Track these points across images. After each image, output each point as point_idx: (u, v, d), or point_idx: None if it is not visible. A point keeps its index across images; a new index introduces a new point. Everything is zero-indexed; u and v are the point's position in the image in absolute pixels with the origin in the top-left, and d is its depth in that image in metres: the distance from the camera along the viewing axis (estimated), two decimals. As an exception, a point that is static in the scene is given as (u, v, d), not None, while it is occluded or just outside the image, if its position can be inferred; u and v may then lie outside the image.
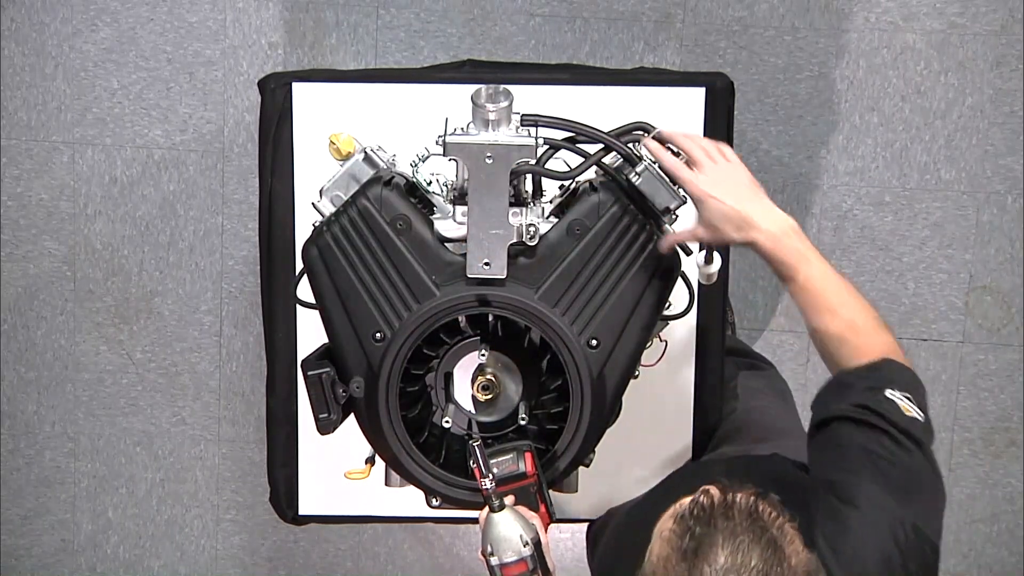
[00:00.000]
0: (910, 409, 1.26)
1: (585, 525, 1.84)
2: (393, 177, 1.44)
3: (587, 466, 1.50)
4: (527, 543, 1.28)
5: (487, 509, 1.31)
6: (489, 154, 1.35)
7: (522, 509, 1.36)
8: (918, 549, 1.19)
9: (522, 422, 1.46)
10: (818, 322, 1.33)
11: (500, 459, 1.39)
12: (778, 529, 1.07)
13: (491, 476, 1.29)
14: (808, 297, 1.33)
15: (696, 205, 1.37)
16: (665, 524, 1.12)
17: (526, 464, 1.39)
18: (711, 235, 1.37)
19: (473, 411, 1.49)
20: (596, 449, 1.48)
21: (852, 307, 1.33)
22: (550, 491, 1.46)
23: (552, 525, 1.43)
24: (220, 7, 2.54)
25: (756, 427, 1.72)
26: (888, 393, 1.26)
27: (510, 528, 1.28)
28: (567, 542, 2.59)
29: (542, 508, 1.41)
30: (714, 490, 1.10)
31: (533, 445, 1.42)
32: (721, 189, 1.35)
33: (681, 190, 1.41)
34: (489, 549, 1.28)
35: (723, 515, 1.07)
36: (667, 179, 1.40)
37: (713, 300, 1.74)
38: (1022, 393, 2.59)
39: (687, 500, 1.11)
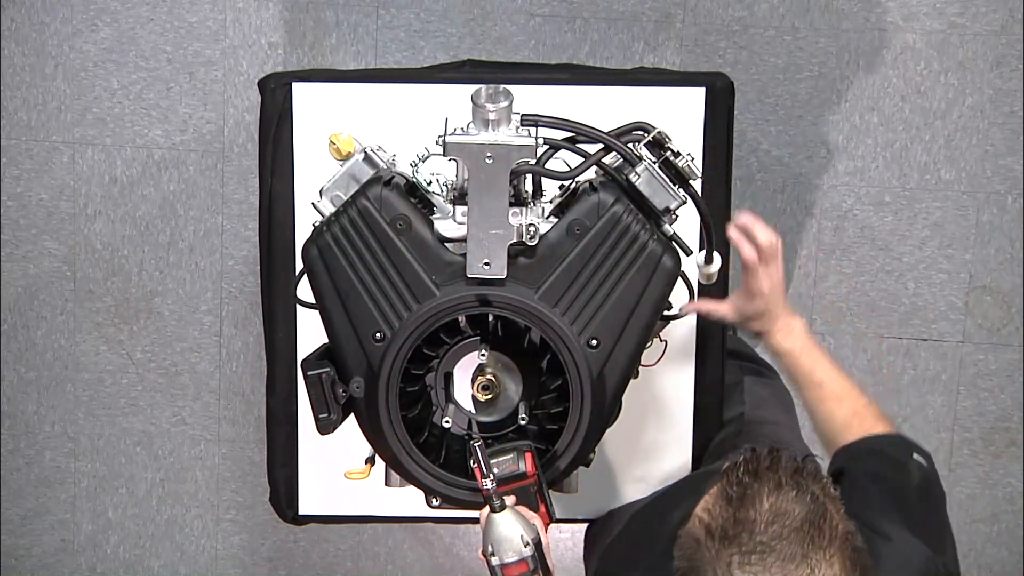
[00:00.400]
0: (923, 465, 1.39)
1: (585, 525, 1.84)
2: (393, 177, 1.44)
3: (587, 466, 1.50)
4: (528, 543, 1.28)
5: (488, 509, 1.31)
6: (489, 154, 1.35)
7: (523, 509, 1.36)
8: None
9: (522, 422, 1.46)
10: (822, 408, 1.47)
11: (500, 459, 1.39)
12: (822, 489, 1.11)
13: (492, 476, 1.29)
14: (818, 386, 1.47)
15: (750, 296, 1.47)
16: (711, 481, 1.16)
17: (526, 464, 1.39)
18: (734, 316, 1.49)
19: (473, 411, 1.49)
20: (596, 449, 1.48)
21: (854, 395, 1.47)
22: (550, 491, 1.47)
23: (552, 525, 1.43)
24: (220, 7, 2.54)
25: (767, 440, 1.72)
26: (916, 456, 1.39)
27: (511, 528, 1.28)
28: (567, 542, 2.59)
29: (542, 508, 1.41)
30: (761, 450, 1.14)
31: (533, 445, 1.42)
32: (772, 285, 1.46)
33: (681, 190, 1.41)
34: (490, 549, 1.28)
35: (769, 467, 1.11)
36: (667, 179, 1.40)
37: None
38: (1022, 393, 2.59)
39: (736, 461, 1.14)
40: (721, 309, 1.48)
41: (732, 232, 1.46)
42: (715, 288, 1.64)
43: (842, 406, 1.45)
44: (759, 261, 1.44)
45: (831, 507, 1.10)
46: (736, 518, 1.09)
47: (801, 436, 1.80)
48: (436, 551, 2.73)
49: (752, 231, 1.45)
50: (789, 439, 1.74)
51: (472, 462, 1.31)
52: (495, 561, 1.28)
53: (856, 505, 1.27)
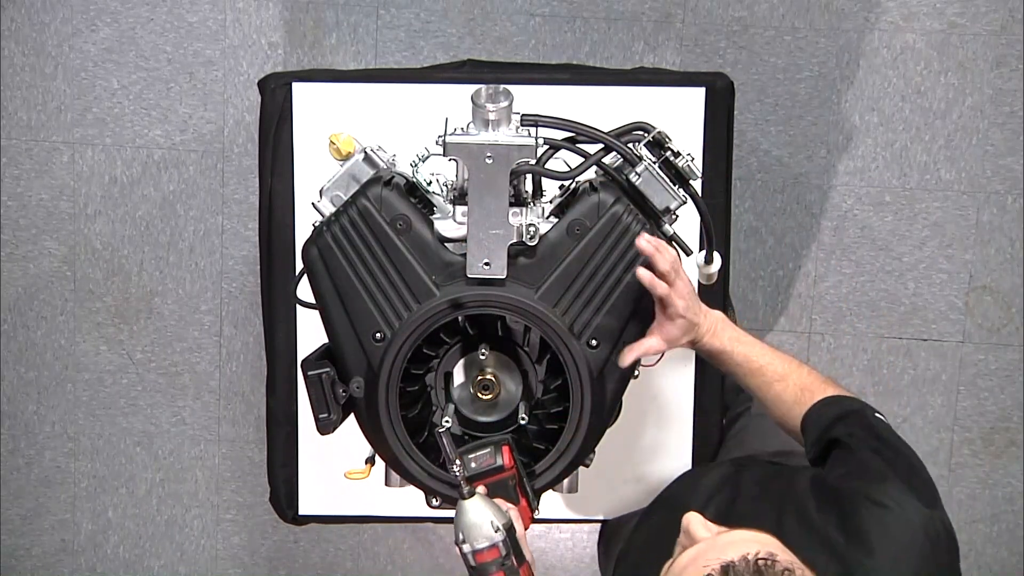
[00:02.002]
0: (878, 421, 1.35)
1: (584, 525, 1.84)
2: (393, 177, 1.44)
3: (587, 466, 1.50)
4: (498, 529, 1.26)
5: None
6: (489, 154, 1.35)
7: (497, 502, 1.35)
8: (948, 543, 1.21)
9: (522, 422, 1.46)
10: (770, 392, 1.44)
11: (477, 453, 1.39)
12: None
13: (459, 463, 1.28)
14: (758, 372, 1.45)
15: (671, 319, 1.41)
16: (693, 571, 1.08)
17: (503, 457, 1.39)
18: (670, 344, 1.43)
19: (473, 411, 1.49)
20: (596, 449, 1.48)
21: (797, 370, 1.45)
22: (546, 489, 1.46)
23: (552, 525, 1.43)
24: (220, 7, 2.54)
25: (765, 436, 1.72)
26: (878, 415, 1.35)
27: (480, 514, 1.27)
28: (567, 542, 2.59)
29: (523, 502, 1.41)
30: (714, 571, 1.03)
31: (511, 439, 1.42)
32: (688, 307, 1.40)
33: (681, 190, 1.41)
34: (460, 536, 1.27)
35: None
36: (667, 179, 1.40)
37: (713, 300, 1.74)
38: (1022, 393, 2.59)
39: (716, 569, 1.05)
40: (653, 346, 1.42)
41: (642, 276, 1.38)
42: (714, 287, 1.64)
43: (787, 384, 1.43)
44: (670, 286, 1.39)
45: None
46: None
47: None
48: (436, 551, 2.73)
49: (655, 262, 1.38)
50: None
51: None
52: (466, 548, 1.26)
53: (845, 476, 1.27)
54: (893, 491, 1.22)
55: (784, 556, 1.04)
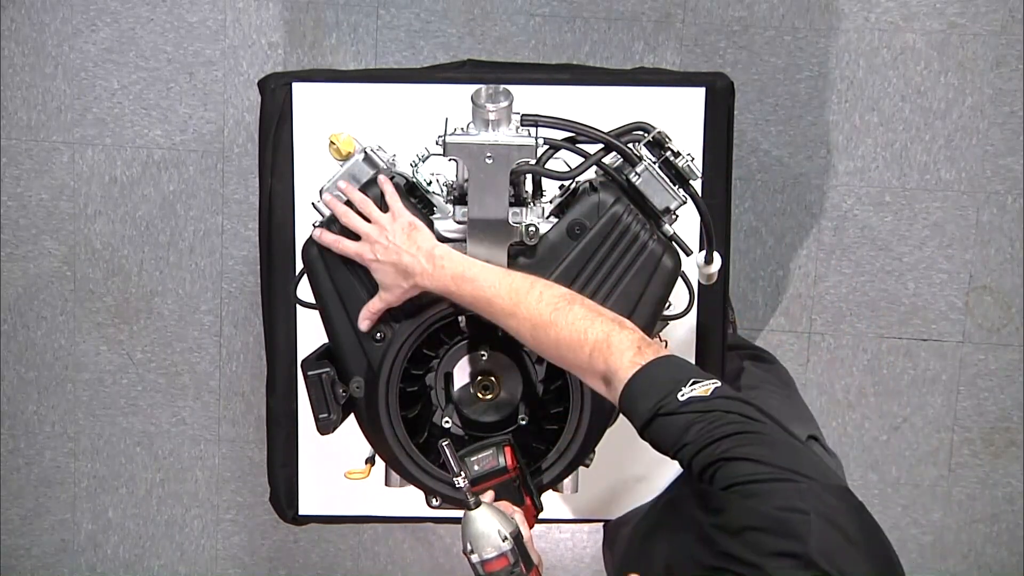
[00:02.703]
0: (708, 387, 1.13)
1: (585, 525, 1.84)
2: (393, 177, 1.44)
3: (587, 466, 1.50)
4: (506, 537, 1.27)
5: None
6: (489, 154, 1.35)
7: (502, 504, 1.36)
8: (857, 518, 1.05)
9: (522, 422, 1.46)
10: (512, 326, 1.30)
11: (479, 456, 1.39)
12: None
13: (463, 474, 1.29)
14: (488, 307, 1.31)
15: (374, 273, 1.39)
16: None
17: (506, 458, 1.39)
18: (393, 296, 1.38)
19: (473, 411, 1.49)
20: (596, 449, 1.48)
21: (528, 301, 1.28)
22: (547, 488, 1.46)
23: (553, 525, 1.43)
24: (220, 7, 2.54)
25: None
26: (681, 395, 1.14)
27: (487, 524, 1.28)
28: (567, 542, 2.59)
29: (527, 501, 1.41)
30: None
31: (512, 439, 1.42)
32: (380, 248, 1.36)
33: (681, 190, 1.41)
34: (468, 547, 1.28)
35: None
36: (667, 179, 1.40)
37: (713, 300, 1.74)
38: (1022, 393, 2.59)
39: None
40: (383, 298, 1.38)
41: (322, 239, 1.38)
42: (714, 287, 1.64)
43: (519, 319, 1.27)
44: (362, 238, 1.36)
45: None
46: None
47: (800, 408, 1.79)
48: (436, 551, 2.73)
49: (339, 217, 1.38)
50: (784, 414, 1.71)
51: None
52: (475, 558, 1.28)
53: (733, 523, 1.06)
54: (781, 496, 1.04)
55: None
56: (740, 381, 1.84)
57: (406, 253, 1.35)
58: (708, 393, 1.13)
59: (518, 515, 1.36)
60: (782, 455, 1.05)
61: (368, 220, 1.39)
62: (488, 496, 1.36)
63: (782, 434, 1.09)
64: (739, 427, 1.08)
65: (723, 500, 1.03)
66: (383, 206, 1.40)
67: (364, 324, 1.41)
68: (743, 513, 1.01)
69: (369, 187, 1.42)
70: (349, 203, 1.41)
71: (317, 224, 1.46)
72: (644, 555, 1.28)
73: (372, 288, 1.41)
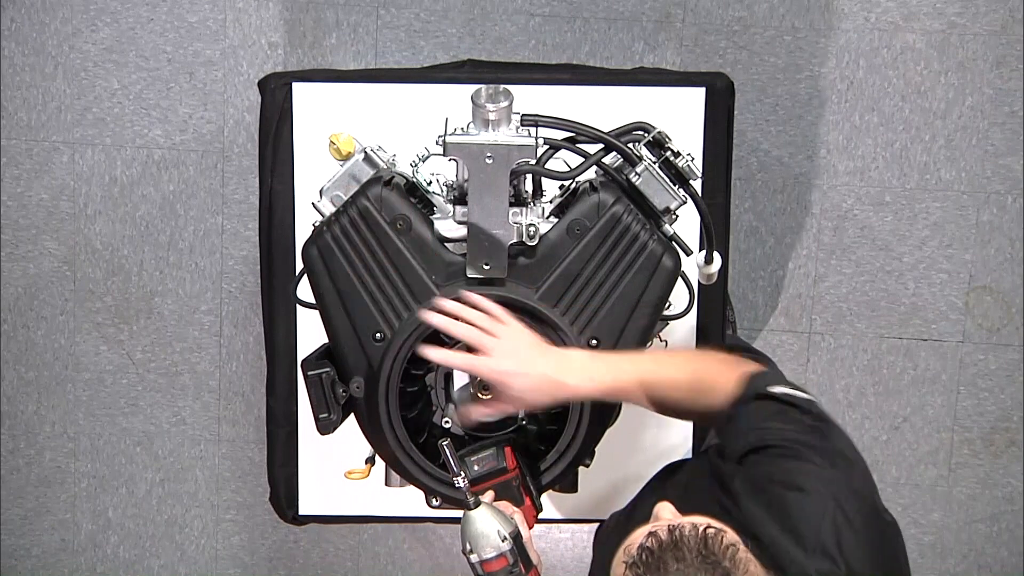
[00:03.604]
0: (800, 393, 1.24)
1: (585, 525, 1.84)
2: (393, 177, 1.44)
3: (587, 466, 1.50)
4: (505, 538, 1.27)
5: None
6: (489, 154, 1.35)
7: (501, 504, 1.36)
8: (866, 514, 1.15)
9: (522, 422, 1.46)
10: (674, 405, 1.33)
11: (479, 456, 1.39)
12: (730, 560, 1.04)
13: (463, 475, 1.29)
14: (652, 399, 1.32)
15: (496, 387, 1.33)
16: (617, 571, 1.09)
17: (506, 459, 1.39)
18: (525, 407, 1.34)
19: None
20: (596, 449, 1.48)
21: (686, 368, 1.32)
22: (547, 489, 1.46)
23: (552, 525, 1.43)
24: (220, 7, 2.54)
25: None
26: (773, 390, 1.24)
27: (487, 524, 1.28)
28: (567, 542, 2.59)
29: (527, 501, 1.41)
30: (661, 531, 1.06)
31: (512, 439, 1.42)
32: (512, 363, 1.30)
33: (681, 190, 1.41)
34: (468, 547, 1.28)
35: (673, 556, 1.04)
36: (667, 179, 1.40)
37: (713, 300, 1.74)
38: (1022, 393, 2.59)
39: (635, 545, 1.07)
40: (505, 409, 1.33)
41: (431, 356, 1.31)
42: (714, 287, 1.64)
43: (679, 388, 1.30)
44: (482, 350, 1.30)
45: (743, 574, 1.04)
46: None
47: None
48: (436, 551, 2.73)
49: (446, 331, 1.30)
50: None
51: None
52: (474, 558, 1.28)
53: (757, 464, 1.20)
54: (803, 468, 1.16)
55: (732, 535, 1.06)
56: None
57: (548, 364, 1.30)
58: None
59: (518, 515, 1.36)
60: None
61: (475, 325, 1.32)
62: (488, 496, 1.36)
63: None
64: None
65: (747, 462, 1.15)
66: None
67: (468, 421, 1.35)
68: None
69: (370, 187, 1.42)
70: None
71: (316, 224, 1.46)
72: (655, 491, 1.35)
73: (372, 288, 1.41)
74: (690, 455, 1.80)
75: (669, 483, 1.43)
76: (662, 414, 1.36)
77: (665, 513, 1.12)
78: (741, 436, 1.22)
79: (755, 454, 1.19)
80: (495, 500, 1.38)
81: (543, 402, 1.32)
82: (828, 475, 1.14)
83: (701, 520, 1.08)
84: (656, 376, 1.31)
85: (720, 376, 1.30)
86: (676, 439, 1.79)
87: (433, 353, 1.33)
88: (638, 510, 1.47)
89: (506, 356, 1.31)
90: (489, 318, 1.34)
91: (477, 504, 1.29)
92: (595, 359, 1.32)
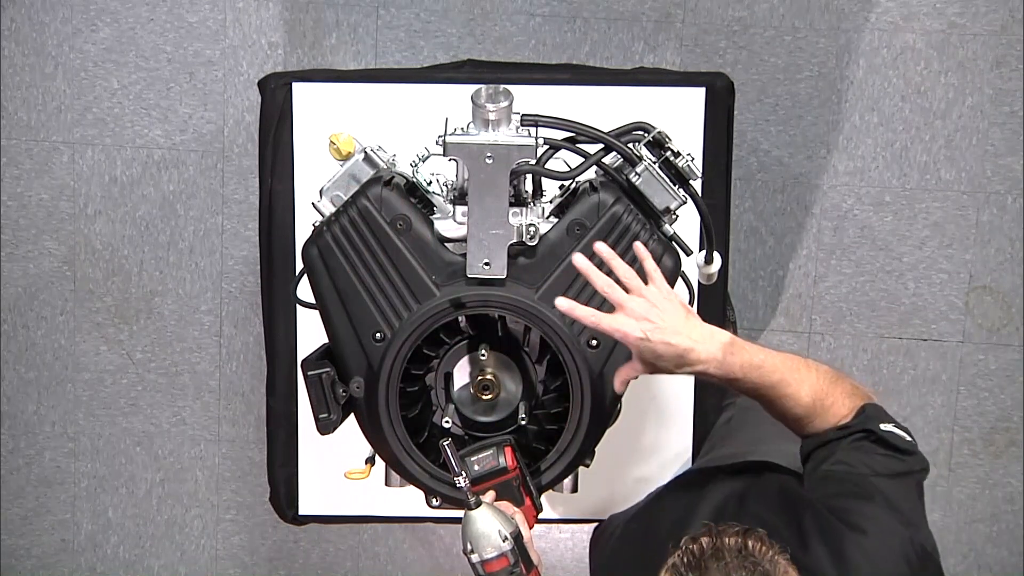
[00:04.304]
0: (906, 436, 1.29)
1: (585, 525, 1.84)
2: (393, 177, 1.44)
3: (587, 466, 1.50)
4: (506, 538, 1.27)
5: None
6: (489, 154, 1.35)
7: (502, 504, 1.36)
8: (928, 565, 1.20)
9: (522, 422, 1.46)
10: (781, 414, 1.33)
11: (480, 456, 1.39)
12: (770, 562, 1.07)
13: (464, 474, 1.29)
14: (764, 401, 1.32)
15: (634, 345, 1.28)
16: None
17: (506, 459, 1.39)
18: (653, 370, 1.30)
19: (473, 411, 1.49)
20: (596, 449, 1.48)
21: (814, 388, 1.31)
22: (547, 488, 1.46)
23: (553, 525, 1.44)
24: (220, 7, 2.54)
25: (752, 428, 1.72)
26: (883, 427, 1.28)
27: (488, 524, 1.28)
28: (567, 542, 2.59)
29: (527, 501, 1.41)
30: (704, 538, 1.09)
31: (513, 439, 1.42)
32: (648, 327, 1.26)
33: (681, 190, 1.41)
34: (469, 547, 1.28)
35: (714, 557, 1.06)
36: (667, 179, 1.40)
37: (713, 300, 1.74)
38: (1022, 393, 2.59)
39: (676, 553, 1.09)
40: (637, 368, 1.30)
41: (561, 305, 1.27)
42: (714, 287, 1.64)
43: (802, 391, 1.29)
44: (620, 307, 1.27)
45: None
46: None
47: None
48: (436, 551, 2.73)
49: (590, 279, 1.28)
50: (777, 428, 1.72)
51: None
52: (475, 558, 1.28)
53: (828, 497, 1.24)
54: (873, 512, 1.21)
55: (772, 543, 1.08)
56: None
57: (686, 337, 1.26)
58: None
59: (518, 515, 1.36)
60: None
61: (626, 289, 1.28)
62: (489, 496, 1.36)
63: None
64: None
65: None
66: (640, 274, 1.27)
67: (618, 385, 1.33)
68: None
69: (370, 187, 1.42)
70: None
71: (316, 224, 1.46)
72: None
73: (372, 288, 1.41)
74: (689, 455, 1.79)
75: (698, 508, 1.36)
76: (759, 403, 1.34)
77: None
78: (830, 464, 1.27)
79: (834, 484, 1.24)
80: (495, 500, 1.38)
81: (668, 369, 1.28)
82: (892, 526, 1.19)
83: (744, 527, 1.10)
84: (782, 388, 1.29)
85: (838, 406, 1.30)
86: (676, 440, 1.80)
87: (580, 311, 1.28)
88: (653, 518, 1.45)
89: (643, 317, 1.26)
90: (649, 276, 1.30)
91: (478, 504, 1.29)
92: (735, 347, 1.27)
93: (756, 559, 1.06)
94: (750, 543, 1.07)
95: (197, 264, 2.63)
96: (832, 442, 1.29)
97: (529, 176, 1.45)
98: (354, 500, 1.84)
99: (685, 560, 1.08)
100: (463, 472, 1.29)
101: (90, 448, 2.71)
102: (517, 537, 1.29)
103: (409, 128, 1.60)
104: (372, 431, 1.45)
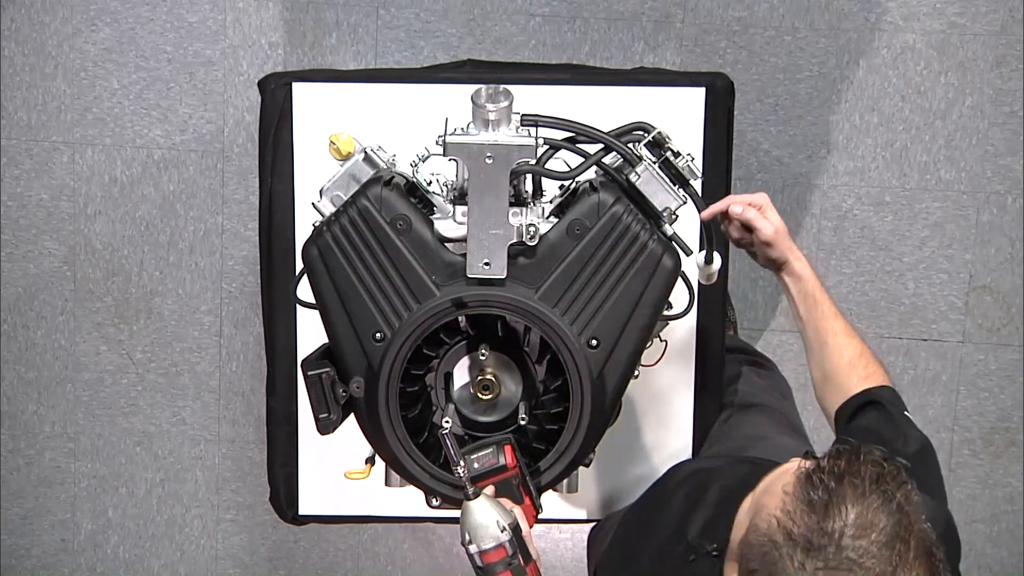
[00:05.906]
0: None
1: (584, 525, 1.84)
2: (393, 177, 1.44)
3: (587, 466, 1.50)
4: (504, 528, 1.27)
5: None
6: (489, 154, 1.35)
7: (502, 502, 1.35)
8: (951, 542, 1.22)
9: (522, 422, 1.46)
10: (835, 344, 1.51)
11: (480, 453, 1.39)
12: (905, 496, 1.06)
13: (462, 464, 1.28)
14: (815, 306, 1.52)
15: (770, 243, 1.53)
16: (780, 480, 1.12)
17: (506, 457, 1.39)
18: (763, 254, 1.54)
19: (473, 411, 1.49)
20: (596, 449, 1.48)
21: (856, 338, 1.51)
22: (547, 489, 1.46)
23: (552, 525, 1.43)
24: (220, 7, 2.54)
25: (750, 426, 1.72)
26: (906, 414, 1.41)
27: (486, 515, 1.28)
28: (567, 542, 2.59)
29: (527, 501, 1.41)
30: (844, 458, 1.09)
31: (513, 438, 1.42)
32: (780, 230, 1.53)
33: (681, 190, 1.41)
34: (467, 538, 1.28)
35: (852, 473, 1.06)
36: (667, 179, 1.40)
37: (713, 300, 1.74)
38: (1022, 393, 2.59)
39: (809, 464, 1.10)
40: (763, 227, 1.52)
41: (732, 207, 1.50)
42: (714, 287, 1.64)
43: (850, 344, 1.49)
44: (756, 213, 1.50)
45: (914, 516, 1.06)
46: (821, 528, 1.04)
47: (795, 422, 1.80)
48: (436, 551, 2.73)
49: (735, 200, 1.50)
50: (776, 423, 1.73)
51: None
52: (473, 549, 1.27)
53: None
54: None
55: (913, 485, 1.12)
56: (737, 385, 1.83)
57: (790, 246, 1.54)
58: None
59: (517, 510, 1.36)
60: None
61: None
62: (488, 491, 1.36)
63: None
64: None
65: None
66: None
67: (707, 213, 1.50)
68: None
69: (370, 187, 1.42)
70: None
71: (316, 224, 1.45)
72: None
73: (372, 288, 1.41)
74: (689, 455, 1.79)
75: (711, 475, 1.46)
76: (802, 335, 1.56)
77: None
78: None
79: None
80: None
81: (776, 256, 1.54)
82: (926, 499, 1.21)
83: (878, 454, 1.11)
84: (838, 320, 1.52)
85: (868, 373, 1.48)
86: (676, 439, 1.80)
87: (731, 205, 1.51)
88: (651, 510, 1.46)
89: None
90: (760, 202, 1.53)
91: (476, 495, 1.28)
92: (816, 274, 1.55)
93: (891, 489, 1.06)
94: (888, 471, 1.07)
95: (197, 264, 2.63)
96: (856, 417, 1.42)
97: (529, 176, 1.45)
98: (354, 500, 1.84)
99: (823, 467, 1.08)
100: (462, 461, 1.28)
101: (90, 448, 2.71)
102: (516, 529, 1.29)
103: (409, 128, 1.60)
104: (372, 431, 1.45)
